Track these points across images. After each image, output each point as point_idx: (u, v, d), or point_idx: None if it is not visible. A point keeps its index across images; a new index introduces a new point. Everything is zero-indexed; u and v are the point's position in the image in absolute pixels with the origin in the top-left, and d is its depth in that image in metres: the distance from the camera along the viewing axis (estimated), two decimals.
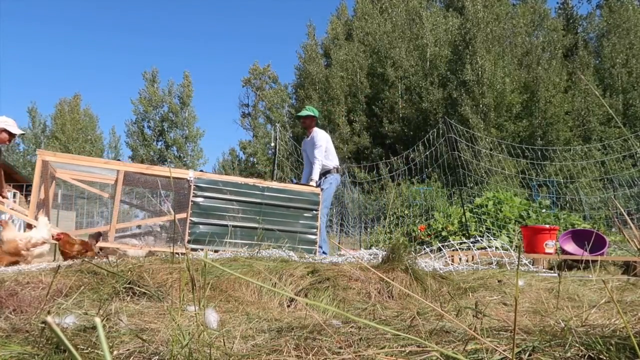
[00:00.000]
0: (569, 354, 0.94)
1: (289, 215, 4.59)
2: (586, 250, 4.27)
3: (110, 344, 1.19)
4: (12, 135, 4.59)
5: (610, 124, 24.25)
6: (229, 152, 37.10)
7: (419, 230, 7.70)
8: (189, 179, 4.28)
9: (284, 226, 4.46)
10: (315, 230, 4.68)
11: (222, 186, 4.32)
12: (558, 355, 0.94)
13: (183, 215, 4.21)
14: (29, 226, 3.92)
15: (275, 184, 4.72)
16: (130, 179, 4.50)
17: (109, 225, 4.09)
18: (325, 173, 5.30)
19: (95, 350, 1.13)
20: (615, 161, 10.53)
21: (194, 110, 36.68)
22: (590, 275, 3.10)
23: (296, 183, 5.08)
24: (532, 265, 4.00)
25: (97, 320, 0.36)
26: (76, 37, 57.93)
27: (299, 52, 34.11)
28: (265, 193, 4.55)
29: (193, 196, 4.21)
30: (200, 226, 4.21)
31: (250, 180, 4.56)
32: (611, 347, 0.93)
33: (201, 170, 4.55)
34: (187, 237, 4.11)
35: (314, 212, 4.71)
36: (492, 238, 5.69)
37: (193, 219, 4.18)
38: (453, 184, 9.23)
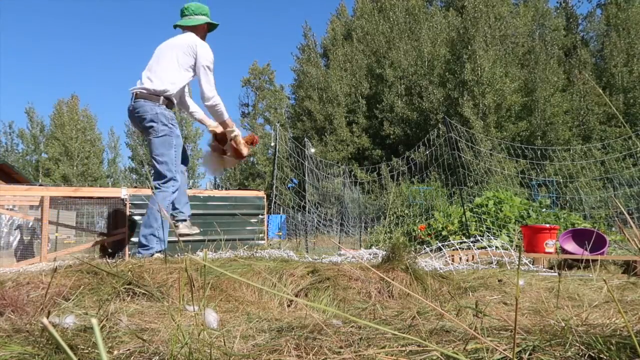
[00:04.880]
0: (569, 354, 0.94)
1: (235, 223, 4.47)
2: (586, 250, 4.27)
3: (110, 344, 1.19)
4: None
5: (610, 122, 24.27)
6: None
7: (419, 230, 7.69)
8: (122, 197, 4.07)
9: (230, 235, 4.27)
10: (262, 235, 4.60)
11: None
12: (558, 354, 0.94)
13: (121, 235, 4.01)
14: None
15: (216, 192, 4.63)
16: (61, 202, 4.27)
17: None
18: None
19: (95, 350, 1.13)
20: (615, 160, 10.53)
21: None
22: (591, 275, 3.10)
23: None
24: (532, 264, 4.00)
25: (94, 321, 0.36)
26: (73, 35, 57.92)
27: (294, 53, 34.19)
28: (208, 203, 4.40)
29: (130, 215, 4.01)
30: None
31: (189, 191, 4.50)
32: (611, 346, 0.93)
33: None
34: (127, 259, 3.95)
35: (260, 216, 4.63)
36: (492, 237, 5.69)
37: (132, 238, 3.98)
38: (453, 184, 9.23)
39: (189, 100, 3.77)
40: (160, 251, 3.19)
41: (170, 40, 3.41)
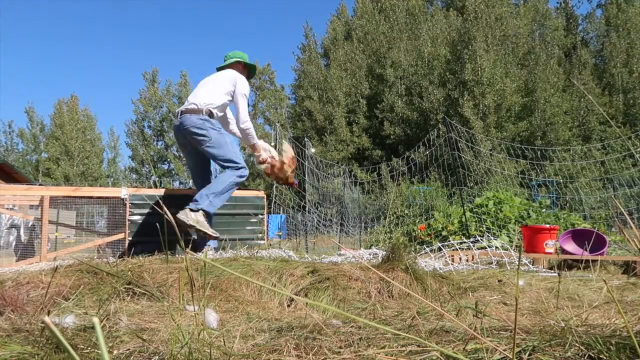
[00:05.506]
0: (569, 354, 0.94)
1: (235, 222, 4.47)
2: (586, 250, 4.27)
3: (110, 344, 1.19)
4: None
5: (610, 123, 24.25)
6: None
7: (419, 230, 7.69)
8: (122, 197, 4.07)
9: (230, 235, 4.27)
10: (262, 235, 4.62)
11: (161, 200, 4.06)
12: (558, 355, 0.94)
13: (121, 235, 4.02)
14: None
15: None
16: (61, 201, 4.28)
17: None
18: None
19: (95, 350, 1.13)
20: (615, 161, 10.53)
21: None
22: (590, 275, 3.10)
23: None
24: (532, 264, 4.00)
25: (95, 320, 0.36)
26: (73, 36, 57.92)
27: (296, 53, 34.18)
28: None
29: (129, 215, 4.02)
30: (141, 245, 3.99)
31: (190, 191, 4.51)
32: (611, 346, 0.93)
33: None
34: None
35: (260, 216, 4.66)
36: (492, 238, 5.69)
37: (132, 238, 4.00)
38: (453, 184, 9.23)
39: (234, 128, 4.20)
40: (205, 211, 3.47)
41: (214, 74, 3.99)
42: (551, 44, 25.70)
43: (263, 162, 4.02)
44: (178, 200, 4.28)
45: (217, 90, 3.78)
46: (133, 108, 36.61)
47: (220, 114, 3.87)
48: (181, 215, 3.38)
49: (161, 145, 36.83)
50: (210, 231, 3.45)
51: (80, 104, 36.77)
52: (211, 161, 3.92)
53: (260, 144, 4.03)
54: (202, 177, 3.97)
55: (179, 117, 3.71)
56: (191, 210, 3.42)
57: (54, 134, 34.95)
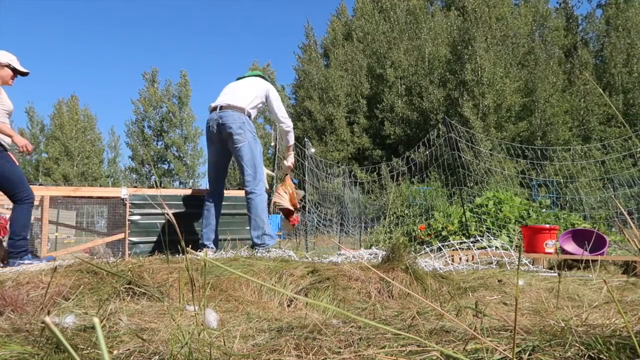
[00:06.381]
0: (569, 354, 0.94)
1: (235, 222, 4.50)
2: (586, 250, 4.27)
3: (110, 344, 1.19)
4: (16, 74, 3.83)
5: (610, 123, 24.28)
6: None
7: (419, 230, 7.69)
8: (122, 197, 4.11)
9: (231, 235, 4.30)
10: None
11: (161, 200, 4.14)
12: (558, 354, 0.94)
13: (121, 235, 4.05)
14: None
15: None
16: (61, 201, 4.33)
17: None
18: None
19: (95, 350, 1.13)
20: (615, 161, 10.51)
21: (192, 110, 36.61)
22: (590, 275, 3.10)
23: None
24: (532, 264, 4.00)
25: (96, 320, 0.36)
26: (73, 35, 57.94)
27: (296, 52, 34.18)
28: None
29: (130, 214, 4.05)
30: (141, 245, 4.06)
31: (189, 191, 4.52)
32: (611, 346, 0.93)
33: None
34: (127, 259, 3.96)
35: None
36: (492, 238, 5.69)
37: (132, 238, 4.03)
38: (453, 184, 9.23)
39: None
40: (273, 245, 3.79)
41: (242, 80, 4.19)
42: (551, 44, 25.70)
43: (290, 166, 4.32)
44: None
45: (254, 94, 3.98)
46: (133, 108, 36.57)
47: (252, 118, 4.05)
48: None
49: (161, 145, 36.78)
50: (273, 243, 3.83)
51: (80, 104, 36.71)
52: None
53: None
54: (217, 176, 4.09)
55: (218, 111, 3.80)
56: (267, 251, 3.66)
57: (54, 134, 34.91)
